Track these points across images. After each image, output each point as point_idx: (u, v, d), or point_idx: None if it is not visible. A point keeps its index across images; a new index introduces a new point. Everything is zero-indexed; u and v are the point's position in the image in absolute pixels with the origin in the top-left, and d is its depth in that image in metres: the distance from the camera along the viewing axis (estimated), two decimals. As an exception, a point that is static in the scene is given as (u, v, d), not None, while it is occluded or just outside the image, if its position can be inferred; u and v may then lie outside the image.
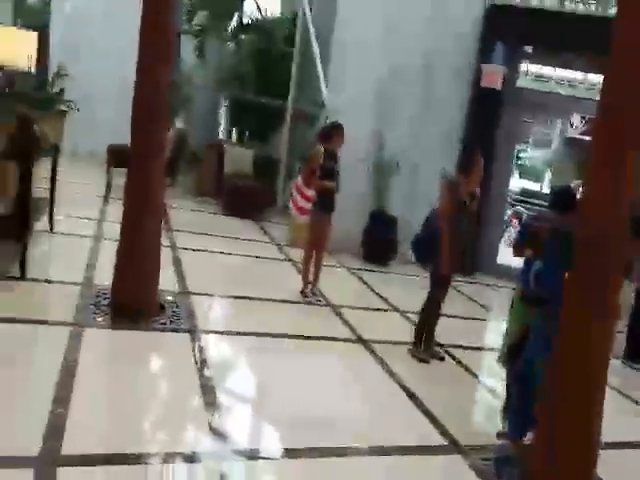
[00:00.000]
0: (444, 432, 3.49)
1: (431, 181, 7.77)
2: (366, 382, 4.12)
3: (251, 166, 9.30)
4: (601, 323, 2.79)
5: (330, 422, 3.35)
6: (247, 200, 8.64)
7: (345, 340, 4.76)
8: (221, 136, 11.45)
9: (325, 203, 5.41)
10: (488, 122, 7.89)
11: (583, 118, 13.32)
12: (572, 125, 12.10)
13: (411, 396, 3.91)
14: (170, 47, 4.31)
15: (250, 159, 9.35)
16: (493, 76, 7.85)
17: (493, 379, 4.53)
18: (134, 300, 4.20)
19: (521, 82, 8.40)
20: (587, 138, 13.91)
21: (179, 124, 10.58)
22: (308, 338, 4.61)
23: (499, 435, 3.53)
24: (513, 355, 3.63)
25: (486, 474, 3.11)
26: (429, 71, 7.79)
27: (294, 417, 3.34)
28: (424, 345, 4.63)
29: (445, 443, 3.38)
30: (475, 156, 4.65)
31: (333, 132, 5.40)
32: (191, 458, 2.75)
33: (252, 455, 2.92)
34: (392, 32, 7.55)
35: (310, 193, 5.36)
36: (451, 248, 4.41)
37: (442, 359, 4.66)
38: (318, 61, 8.78)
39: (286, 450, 3.00)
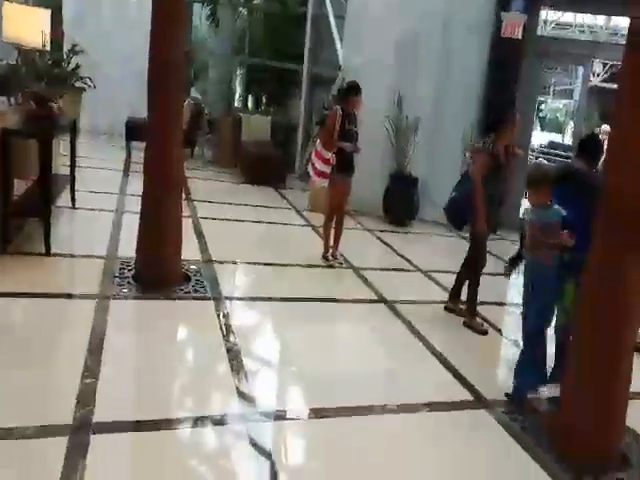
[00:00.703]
0: (470, 388, 3.50)
1: (452, 140, 7.69)
2: (391, 342, 4.12)
3: (268, 133, 9.23)
4: (635, 264, 2.74)
5: (357, 381, 3.37)
6: (265, 168, 8.60)
7: (369, 301, 4.75)
8: (237, 104, 11.36)
9: (344, 165, 5.33)
10: (509, 73, 7.63)
11: (605, 65, 12.73)
12: (594, 73, 11.64)
13: (436, 354, 3.91)
14: (183, 12, 4.22)
15: (267, 126, 9.28)
16: (514, 25, 7.57)
17: (517, 334, 4.45)
18: (158, 270, 4.24)
19: (542, 30, 8.08)
20: (609, 85, 13.43)
21: (195, 94, 10.52)
22: (332, 301, 4.62)
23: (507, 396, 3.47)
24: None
25: (512, 427, 3.12)
26: (448, 25, 7.52)
27: (321, 378, 3.37)
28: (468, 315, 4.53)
29: (471, 398, 3.39)
30: (509, 115, 4.50)
31: (350, 93, 5.28)
32: (220, 421, 2.80)
33: (280, 416, 2.95)
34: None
35: (329, 156, 5.28)
36: (487, 208, 4.31)
37: (484, 333, 4.48)
38: (333, 22, 8.56)
39: (313, 410, 3.03)
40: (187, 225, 5.40)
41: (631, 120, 2.68)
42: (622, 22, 9.02)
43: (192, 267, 4.66)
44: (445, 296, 5.01)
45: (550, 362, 3.54)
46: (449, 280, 5.40)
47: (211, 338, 3.62)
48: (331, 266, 5.45)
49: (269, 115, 9.61)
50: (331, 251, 5.58)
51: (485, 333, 4.42)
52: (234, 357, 3.40)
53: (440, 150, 7.62)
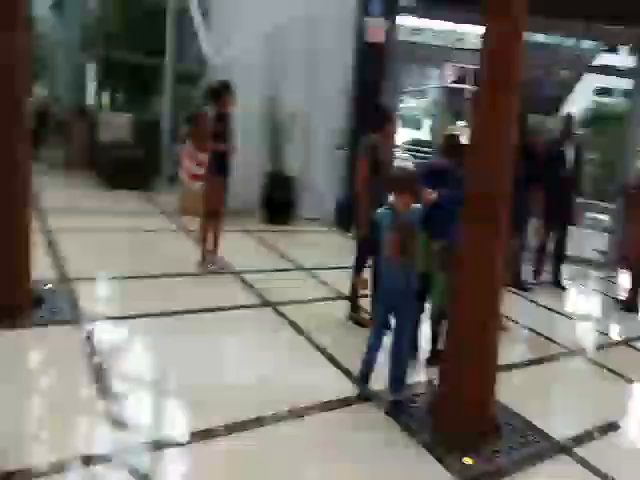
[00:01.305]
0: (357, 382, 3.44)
1: (325, 138, 7.72)
2: (279, 346, 3.93)
3: (129, 133, 8.54)
4: (494, 250, 2.94)
5: (245, 393, 3.14)
6: (127, 170, 7.93)
7: (254, 306, 4.52)
8: (91, 102, 10.40)
9: (219, 166, 5.02)
10: (375, 75, 7.84)
11: (453, 67, 13.89)
12: (446, 74, 12.63)
13: (325, 353, 3.81)
14: (19, 4, 3.64)
15: (128, 125, 8.57)
16: (377, 30, 7.79)
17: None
18: (5, 296, 3.62)
19: (401, 35, 8.46)
20: (459, 86, 14.63)
21: (39, 91, 9.42)
22: (214, 310, 4.29)
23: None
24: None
25: (399, 416, 3.12)
26: (315, 26, 7.50)
27: (206, 394, 3.07)
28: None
29: (358, 392, 3.33)
30: (387, 114, 4.49)
31: (223, 93, 4.97)
32: (91, 459, 2.39)
33: (162, 443, 2.60)
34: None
35: (202, 157, 4.96)
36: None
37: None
38: (197, 16, 8.15)
39: (199, 433, 2.71)
40: (38, 239, 4.74)
41: (487, 110, 2.92)
42: (470, 29, 9.84)
43: (46, 287, 4.08)
44: (330, 293, 4.93)
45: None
46: (332, 277, 5.43)
47: (74, 365, 3.15)
48: (210, 272, 5.12)
49: (129, 113, 8.89)
50: (209, 256, 5.24)
51: (367, 325, 4.34)
52: (103, 385, 2.98)
53: (314, 148, 7.61)
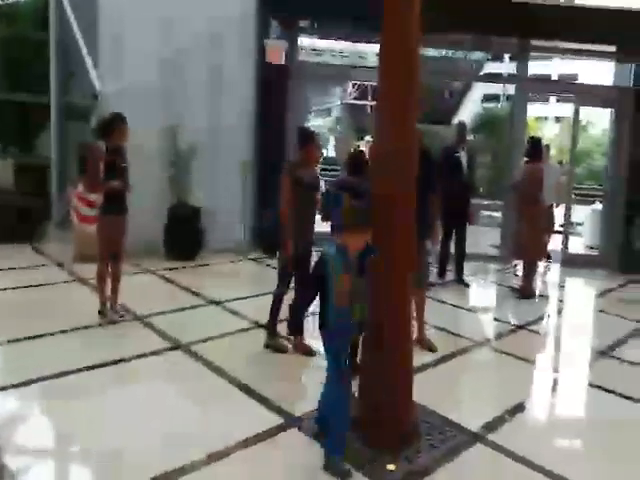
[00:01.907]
0: (278, 411, 3.35)
1: (231, 164, 7.46)
2: (193, 388, 3.66)
3: (12, 178, 7.84)
4: (404, 255, 3.01)
5: (160, 445, 2.92)
6: (10, 220, 7.22)
7: (162, 351, 4.17)
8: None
9: (115, 205, 4.64)
10: (278, 96, 7.73)
11: (354, 85, 14.14)
12: (348, 92, 12.82)
13: (241, 386, 3.64)
14: None
15: (10, 170, 7.87)
16: (276, 51, 7.75)
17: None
18: None
19: (302, 56, 8.46)
20: (361, 102, 14.92)
21: None
22: (118, 362, 3.91)
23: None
24: None
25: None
26: (214, 51, 7.28)
27: (114, 456, 2.80)
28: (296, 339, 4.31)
29: (281, 421, 3.24)
30: (309, 134, 4.34)
31: (114, 124, 4.60)
32: None
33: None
34: (168, 10, 6.89)
35: (94, 198, 4.57)
36: (301, 230, 4.10)
37: (311, 353, 4.27)
38: (83, 46, 7.68)
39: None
40: None
41: (387, 124, 3.02)
42: (370, 47, 10.02)
43: None
44: (243, 324, 4.76)
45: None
46: (248, 307, 5.25)
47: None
48: (112, 322, 4.67)
49: (11, 157, 8.18)
50: (109, 304, 4.79)
51: (285, 350, 4.25)
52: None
53: (221, 176, 7.32)
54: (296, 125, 6.87)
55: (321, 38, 9.93)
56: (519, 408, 3.66)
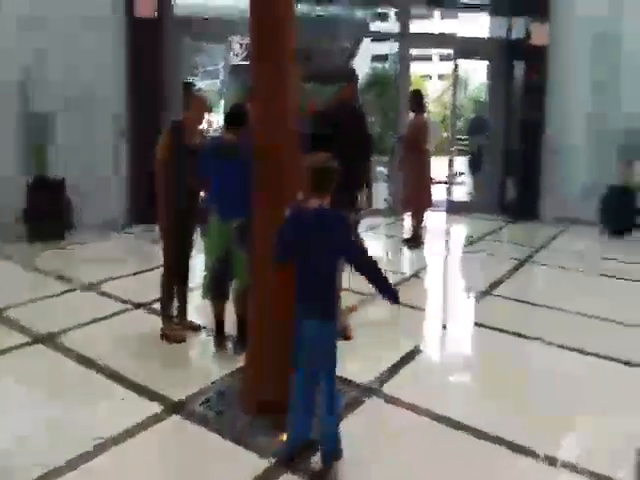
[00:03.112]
0: (161, 399, 3.10)
1: (101, 129, 6.90)
2: (61, 387, 3.28)
3: None
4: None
5: (28, 453, 2.60)
6: None
7: (20, 347, 3.71)
8: None
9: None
10: (151, 54, 7.17)
11: (241, 44, 13.58)
12: (235, 52, 12.30)
13: (118, 377, 3.32)
14: None
15: None
16: (145, 4, 7.13)
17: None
18: None
19: (178, 9, 7.86)
20: (247, 63, 14.32)
21: None
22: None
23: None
24: (219, 282, 3.51)
25: (208, 419, 2.90)
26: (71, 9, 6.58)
27: None
28: (178, 318, 3.95)
29: (161, 408, 3.01)
30: (190, 91, 3.97)
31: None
32: None
33: None
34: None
35: None
36: (172, 198, 3.69)
37: (198, 328, 4.01)
38: None
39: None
40: None
41: (263, 81, 2.86)
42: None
43: None
44: (118, 306, 4.37)
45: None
46: (121, 287, 4.84)
47: None
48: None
49: None
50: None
51: (183, 340, 3.87)
52: None
53: (89, 142, 6.73)
54: (185, 83, 6.44)
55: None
56: (410, 356, 3.73)
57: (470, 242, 7.42)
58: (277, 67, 2.82)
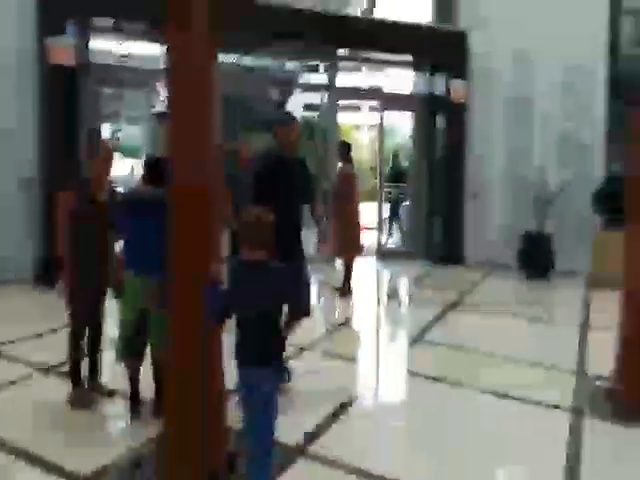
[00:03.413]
0: (65, 475, 2.77)
1: (8, 183, 6.53)
2: None
3: None
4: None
5: None
6: None
7: None
8: None
9: None
10: (67, 101, 6.91)
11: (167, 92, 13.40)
12: (160, 97, 12.16)
13: (13, 450, 2.98)
14: None
15: None
16: (61, 51, 6.88)
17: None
18: None
19: (97, 57, 7.71)
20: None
21: None
22: None
23: None
24: (134, 343, 3.32)
25: None
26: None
27: None
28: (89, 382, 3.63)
29: None
30: (95, 138, 3.76)
31: None
32: None
33: None
34: None
35: None
36: (79, 258, 3.46)
37: (110, 393, 3.70)
38: None
39: None
40: None
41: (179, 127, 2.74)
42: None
43: None
44: (23, 370, 4.00)
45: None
46: (26, 350, 4.43)
47: None
48: None
49: None
50: None
51: (94, 406, 3.56)
52: None
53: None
54: (91, 130, 6.23)
55: (120, 40, 9.36)
56: (341, 411, 3.62)
57: (397, 288, 7.46)
58: (196, 118, 2.73)
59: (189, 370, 2.71)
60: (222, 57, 8.69)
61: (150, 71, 8.78)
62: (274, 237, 2.47)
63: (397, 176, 10.90)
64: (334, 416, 3.52)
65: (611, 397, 3.82)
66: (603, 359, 3.97)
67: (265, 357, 2.43)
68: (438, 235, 8.85)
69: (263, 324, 2.44)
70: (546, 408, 3.71)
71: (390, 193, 10.89)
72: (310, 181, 4.18)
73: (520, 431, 3.44)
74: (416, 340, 5.12)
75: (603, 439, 3.41)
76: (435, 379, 4.17)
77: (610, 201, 7.11)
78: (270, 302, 2.45)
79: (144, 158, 4.15)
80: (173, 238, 2.71)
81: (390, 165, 11.68)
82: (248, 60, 12.46)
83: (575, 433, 3.39)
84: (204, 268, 2.65)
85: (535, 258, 7.87)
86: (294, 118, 4.13)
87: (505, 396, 3.87)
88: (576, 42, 7.91)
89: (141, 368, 3.46)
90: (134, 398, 3.47)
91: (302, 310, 3.66)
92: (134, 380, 3.46)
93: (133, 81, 8.98)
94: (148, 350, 3.43)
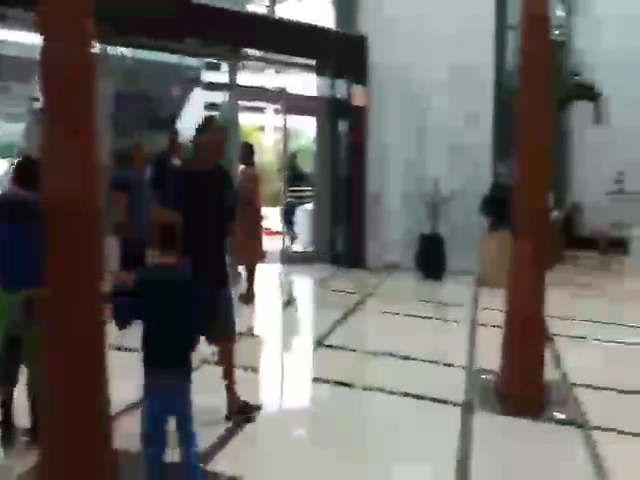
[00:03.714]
0: None
1: None
2: None
3: None
4: (88, 289, 2.43)
5: None
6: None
7: None
8: None
9: None
10: None
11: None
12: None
13: None
14: None
15: None
16: None
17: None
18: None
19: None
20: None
21: None
22: None
23: None
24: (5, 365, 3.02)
25: None
26: None
27: None
28: None
29: None
30: None
31: None
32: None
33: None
34: None
35: None
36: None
37: None
38: None
39: None
40: None
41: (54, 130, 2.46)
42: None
43: None
44: None
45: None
46: None
47: None
48: None
49: None
50: None
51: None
52: None
53: None
54: None
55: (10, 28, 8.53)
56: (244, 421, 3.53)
57: (301, 293, 7.42)
58: (70, 115, 2.46)
59: (65, 394, 2.44)
60: (115, 50, 8.22)
61: (33, 61, 8.08)
62: (183, 241, 2.49)
63: (295, 179, 10.62)
64: (235, 428, 3.42)
65: (498, 391, 3.99)
66: (491, 354, 4.14)
67: (178, 358, 2.47)
68: (341, 239, 8.92)
69: (173, 327, 2.46)
70: (441, 404, 3.86)
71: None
72: (234, 196, 3.81)
73: (417, 428, 3.56)
74: (317, 345, 5.09)
75: (491, 431, 3.58)
76: (337, 383, 4.17)
77: (496, 206, 7.55)
78: (178, 307, 2.45)
79: (18, 159, 3.74)
80: (44, 249, 2.44)
81: (288, 168, 11.55)
82: (146, 54, 11.90)
83: (465, 427, 3.55)
84: (79, 282, 2.40)
85: (430, 260, 8.17)
86: (213, 121, 3.67)
87: (405, 394, 3.98)
88: (466, 46, 8.12)
89: (14, 391, 3.13)
90: (6, 425, 3.13)
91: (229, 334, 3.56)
92: (6, 405, 3.14)
93: (14, 73, 8.21)
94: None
